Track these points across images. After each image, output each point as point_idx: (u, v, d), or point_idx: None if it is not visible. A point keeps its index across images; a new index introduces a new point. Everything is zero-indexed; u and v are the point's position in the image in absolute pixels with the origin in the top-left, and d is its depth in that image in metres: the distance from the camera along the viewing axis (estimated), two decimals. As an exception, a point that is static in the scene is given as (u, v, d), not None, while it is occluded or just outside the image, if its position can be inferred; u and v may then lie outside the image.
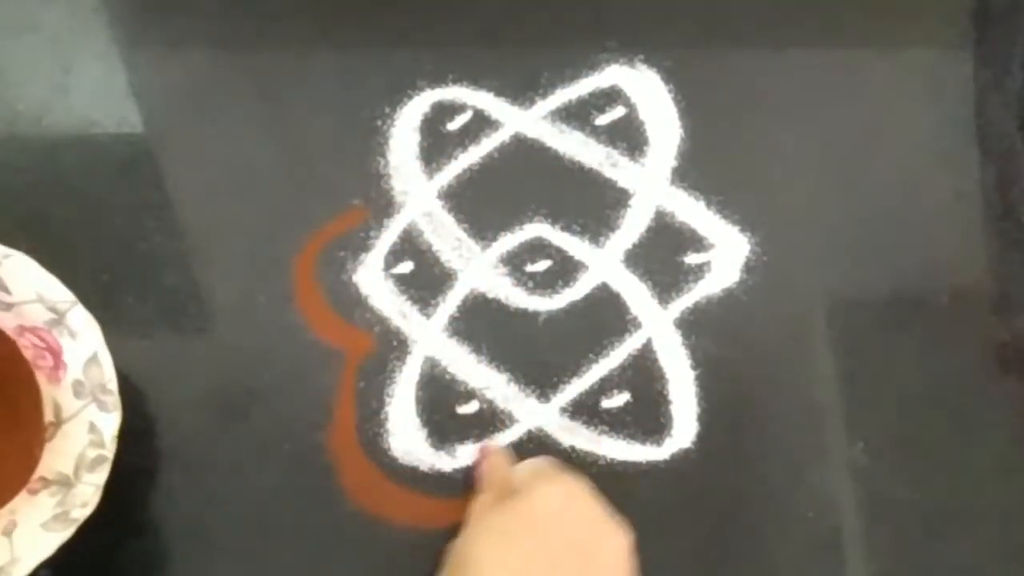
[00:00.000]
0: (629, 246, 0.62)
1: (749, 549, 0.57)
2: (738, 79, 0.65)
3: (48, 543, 0.52)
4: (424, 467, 0.58)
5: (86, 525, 0.52)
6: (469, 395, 0.59)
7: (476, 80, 0.65)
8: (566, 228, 0.62)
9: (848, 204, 0.63)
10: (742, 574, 0.57)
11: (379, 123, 0.64)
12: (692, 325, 0.61)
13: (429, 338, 0.60)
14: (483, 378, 0.60)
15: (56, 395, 0.56)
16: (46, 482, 0.55)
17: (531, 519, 0.50)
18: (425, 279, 0.61)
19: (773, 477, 0.58)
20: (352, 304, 0.61)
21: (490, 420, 0.59)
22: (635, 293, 0.61)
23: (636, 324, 0.61)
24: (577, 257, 0.62)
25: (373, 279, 0.61)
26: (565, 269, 0.62)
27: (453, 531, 0.55)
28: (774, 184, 0.64)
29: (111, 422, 0.54)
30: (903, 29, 0.67)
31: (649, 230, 0.63)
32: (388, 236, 0.62)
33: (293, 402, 0.59)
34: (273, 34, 0.66)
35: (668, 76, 0.65)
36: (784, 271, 0.62)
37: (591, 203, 0.63)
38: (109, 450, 0.54)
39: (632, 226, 0.63)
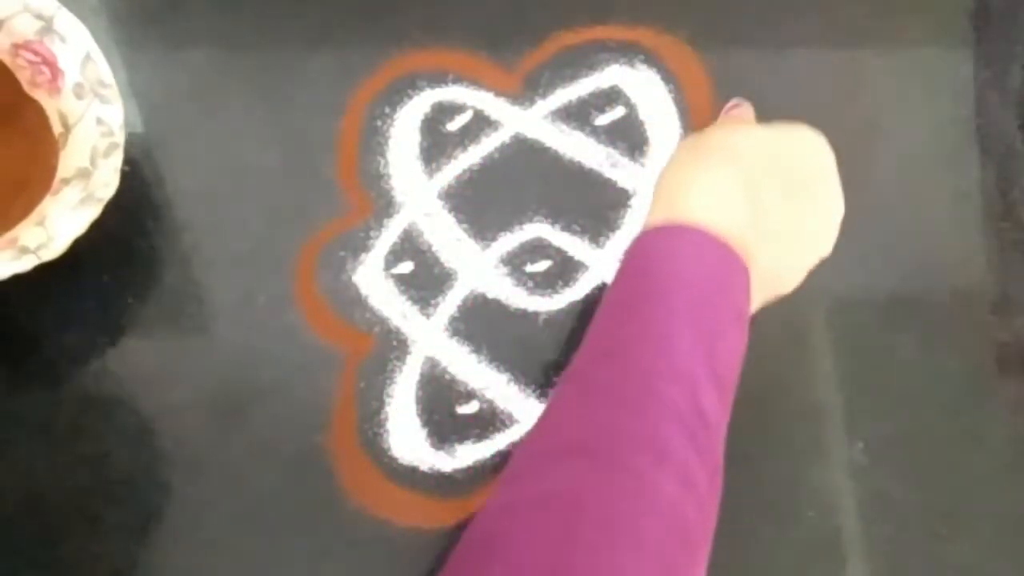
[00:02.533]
0: (629, 246, 0.62)
1: (749, 549, 0.57)
2: (738, 79, 0.65)
3: (80, 220, 0.55)
4: (424, 467, 0.58)
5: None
6: (469, 395, 0.59)
7: (476, 80, 0.65)
8: (566, 228, 0.62)
9: (848, 204, 0.63)
10: (742, 574, 0.57)
11: (379, 123, 0.64)
12: (692, 325, 0.61)
13: (429, 338, 0.60)
14: (483, 378, 0.60)
15: (59, 105, 0.58)
16: (67, 180, 0.57)
17: (748, 143, 0.46)
18: (425, 279, 0.61)
19: (773, 477, 0.58)
20: (352, 304, 0.61)
21: (490, 420, 0.59)
22: (635, 293, 0.61)
23: (636, 324, 0.61)
24: (577, 257, 0.62)
25: (373, 279, 0.61)
26: (565, 269, 0.62)
27: (453, 531, 0.55)
28: (774, 184, 0.64)
29: (116, 112, 0.57)
30: (903, 28, 0.67)
31: (649, 230, 0.62)
32: (388, 236, 0.62)
33: (293, 402, 0.58)
34: (273, 34, 0.66)
35: (668, 76, 0.65)
36: (784, 271, 0.62)
37: (591, 203, 0.63)
38: (119, 137, 0.57)
39: (632, 226, 0.63)
